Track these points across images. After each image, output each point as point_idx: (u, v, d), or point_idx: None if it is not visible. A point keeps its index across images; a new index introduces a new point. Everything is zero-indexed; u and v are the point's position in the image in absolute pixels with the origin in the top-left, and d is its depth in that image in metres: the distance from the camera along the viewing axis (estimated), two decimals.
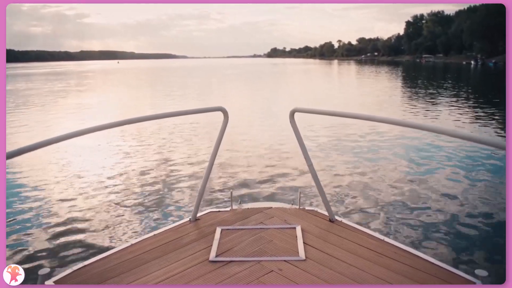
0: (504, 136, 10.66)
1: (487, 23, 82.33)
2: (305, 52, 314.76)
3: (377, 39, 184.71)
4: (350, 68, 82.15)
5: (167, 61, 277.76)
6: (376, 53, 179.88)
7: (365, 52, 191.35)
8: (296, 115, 2.95)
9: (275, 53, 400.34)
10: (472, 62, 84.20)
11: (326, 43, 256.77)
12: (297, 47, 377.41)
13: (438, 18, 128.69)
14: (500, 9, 64.24)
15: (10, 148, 2.10)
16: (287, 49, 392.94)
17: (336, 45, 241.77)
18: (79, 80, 51.36)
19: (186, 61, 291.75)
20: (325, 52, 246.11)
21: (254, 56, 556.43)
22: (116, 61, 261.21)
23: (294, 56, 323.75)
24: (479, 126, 12.91)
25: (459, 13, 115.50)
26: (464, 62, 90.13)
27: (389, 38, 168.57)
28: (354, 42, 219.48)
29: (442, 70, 62.67)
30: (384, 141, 10.60)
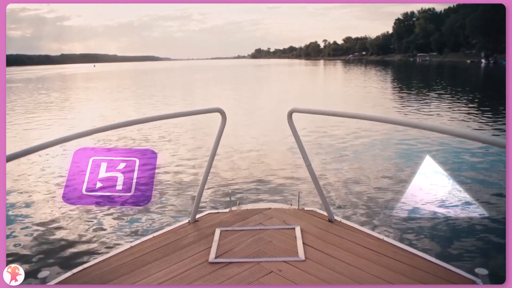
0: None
1: (490, 18, 78.62)
2: (290, 52, 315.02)
3: (365, 38, 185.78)
4: (340, 70, 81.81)
5: (149, 64, 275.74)
6: (364, 53, 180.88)
7: (352, 52, 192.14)
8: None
9: (259, 53, 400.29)
10: (483, 60, 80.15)
11: (311, 43, 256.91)
12: (281, 47, 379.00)
13: (430, 15, 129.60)
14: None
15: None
16: (272, 49, 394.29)
17: (322, 45, 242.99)
18: None
19: (169, 63, 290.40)
20: (311, 52, 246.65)
21: (238, 57, 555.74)
22: (92, 64, 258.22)
23: (279, 57, 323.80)
24: None
25: (449, 10, 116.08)
26: (469, 61, 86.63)
27: (378, 37, 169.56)
28: (340, 42, 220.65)
29: (452, 71, 56.83)
30: (381, 140, 10.82)
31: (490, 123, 13.76)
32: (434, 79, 40.18)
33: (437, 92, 25.63)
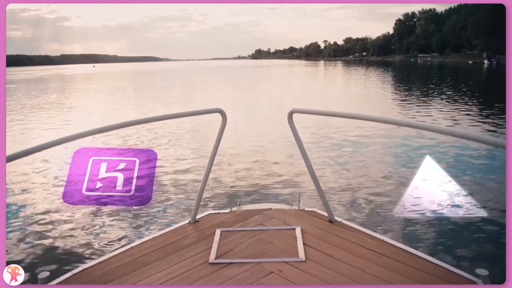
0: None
1: (492, 19, 77.83)
2: (290, 53, 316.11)
3: (366, 39, 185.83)
4: (341, 71, 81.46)
5: (149, 64, 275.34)
6: (364, 53, 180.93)
7: (353, 52, 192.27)
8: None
9: (259, 54, 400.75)
10: (485, 61, 79.72)
11: (312, 43, 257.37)
12: (281, 48, 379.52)
13: (431, 15, 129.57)
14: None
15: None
16: (272, 50, 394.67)
17: (322, 46, 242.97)
18: None
19: (169, 64, 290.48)
20: (311, 53, 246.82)
21: (238, 57, 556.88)
22: (91, 65, 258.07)
23: (279, 57, 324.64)
24: None
25: (450, 10, 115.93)
26: (471, 62, 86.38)
27: (378, 38, 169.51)
28: (340, 42, 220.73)
29: (455, 72, 56.35)
30: (381, 140, 10.86)
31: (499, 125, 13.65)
32: (439, 80, 39.90)
33: (442, 93, 25.47)
